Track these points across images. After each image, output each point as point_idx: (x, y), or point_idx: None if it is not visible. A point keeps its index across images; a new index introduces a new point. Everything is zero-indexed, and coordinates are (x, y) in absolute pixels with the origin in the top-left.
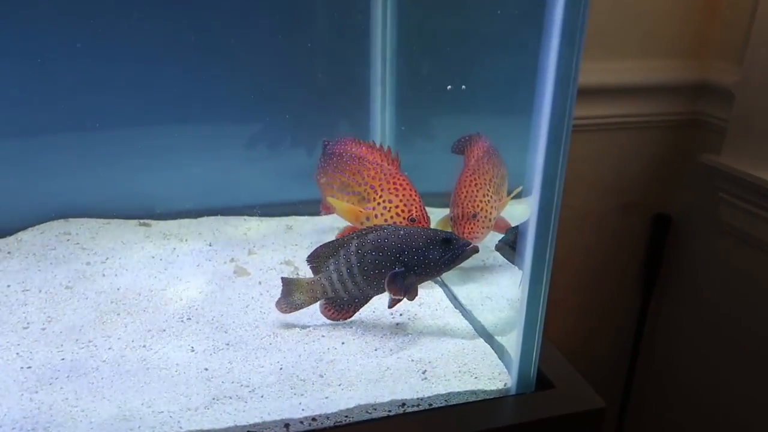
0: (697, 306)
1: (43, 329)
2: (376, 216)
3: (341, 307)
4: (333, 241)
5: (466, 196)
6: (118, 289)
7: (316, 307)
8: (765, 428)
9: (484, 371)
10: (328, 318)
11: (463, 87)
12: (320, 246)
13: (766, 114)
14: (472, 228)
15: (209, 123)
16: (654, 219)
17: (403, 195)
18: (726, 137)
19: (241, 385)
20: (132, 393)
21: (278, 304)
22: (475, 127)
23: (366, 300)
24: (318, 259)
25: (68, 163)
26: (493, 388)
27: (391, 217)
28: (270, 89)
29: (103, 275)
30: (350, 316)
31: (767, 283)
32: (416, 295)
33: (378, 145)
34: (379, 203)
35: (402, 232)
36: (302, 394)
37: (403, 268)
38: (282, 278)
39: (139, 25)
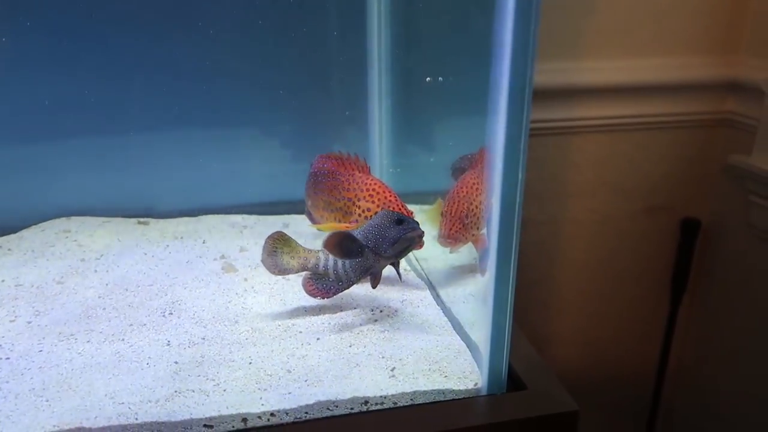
0: (729, 313)
1: (29, 323)
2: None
3: (324, 286)
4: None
5: (464, 195)
6: (107, 284)
7: (305, 303)
8: None
9: (454, 370)
10: (308, 292)
11: (440, 79)
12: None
13: None
14: (457, 228)
15: (210, 124)
16: (682, 223)
17: (379, 199)
18: (757, 137)
19: (207, 379)
20: (99, 385)
21: (264, 261)
22: (472, 125)
23: (349, 284)
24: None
25: (71, 163)
26: (462, 387)
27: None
28: (270, 91)
29: (95, 271)
30: (329, 297)
31: None
32: (378, 281)
33: (346, 154)
34: (359, 214)
35: (380, 213)
36: (265, 389)
37: (364, 243)
38: (274, 233)
39: (140, 28)
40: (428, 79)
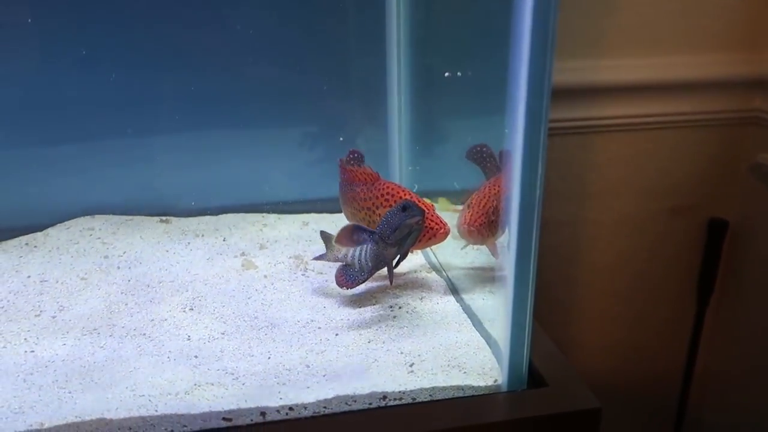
0: (758, 316)
1: (54, 317)
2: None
3: (350, 276)
4: None
5: (495, 194)
6: (129, 281)
7: (325, 300)
8: None
9: (474, 366)
10: (337, 283)
11: (458, 74)
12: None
13: None
14: (481, 222)
15: (230, 124)
16: (709, 224)
17: (395, 201)
18: None
19: (226, 373)
20: (120, 377)
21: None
22: (490, 123)
23: (369, 274)
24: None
25: (95, 163)
26: (482, 384)
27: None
28: (289, 90)
29: (118, 268)
30: (352, 287)
31: None
32: (392, 274)
33: (355, 166)
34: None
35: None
36: (284, 384)
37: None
38: (321, 231)
39: (164, 27)
40: (447, 73)
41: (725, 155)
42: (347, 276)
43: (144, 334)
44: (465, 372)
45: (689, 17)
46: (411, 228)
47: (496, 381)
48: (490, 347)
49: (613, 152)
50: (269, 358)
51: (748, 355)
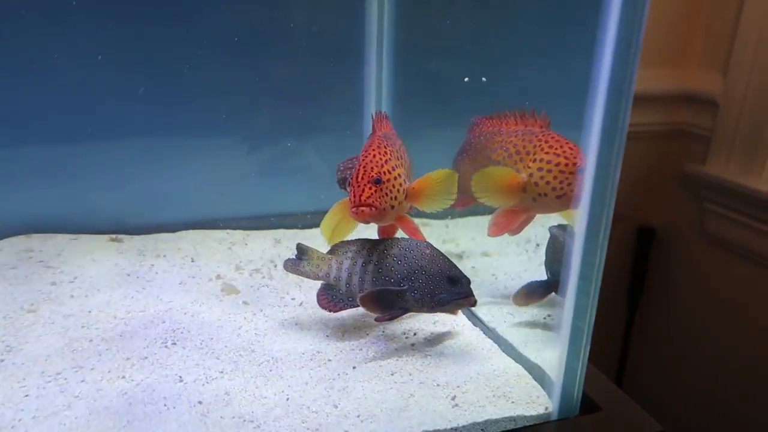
0: (684, 318)
1: (2, 360)
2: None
3: (334, 298)
4: (370, 239)
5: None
6: (90, 311)
7: (324, 327)
8: None
9: (520, 395)
10: (318, 303)
11: (483, 80)
12: (359, 238)
13: (751, 122)
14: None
15: (181, 131)
16: (638, 231)
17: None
18: (711, 146)
19: (244, 421)
20: None
21: (285, 263)
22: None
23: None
24: (344, 243)
25: (26, 174)
26: (534, 413)
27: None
28: (256, 98)
29: (72, 296)
30: (336, 311)
31: (754, 292)
32: (395, 317)
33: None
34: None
35: (428, 252)
36: (317, 429)
37: (405, 287)
38: (298, 243)
39: (101, 25)
40: (466, 79)
41: (653, 165)
42: (330, 298)
43: (123, 377)
44: (513, 402)
45: None
46: (460, 306)
47: (547, 409)
48: (529, 373)
49: None
50: (287, 399)
51: (676, 355)
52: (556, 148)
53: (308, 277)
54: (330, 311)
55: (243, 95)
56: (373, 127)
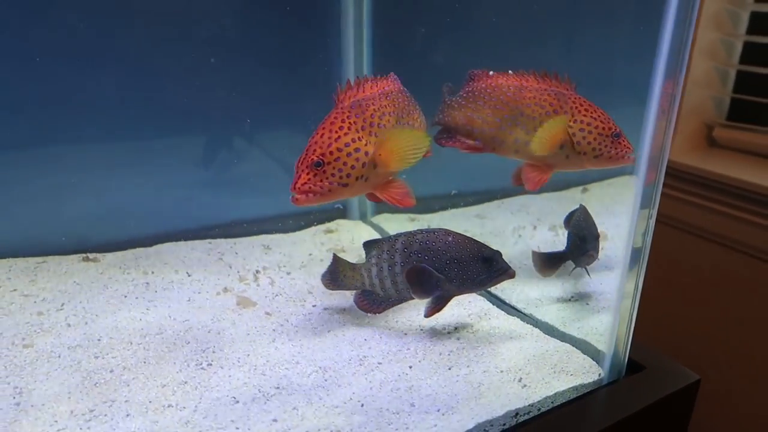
0: None
1: (17, 404)
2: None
3: (374, 301)
4: (385, 237)
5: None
6: (99, 339)
7: (357, 331)
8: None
9: (576, 367)
10: (359, 308)
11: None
12: (374, 239)
13: None
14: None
15: (146, 134)
16: None
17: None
18: None
19: (330, 430)
20: None
21: (323, 276)
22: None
23: (401, 300)
24: (368, 246)
25: None
26: (590, 381)
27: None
28: (219, 95)
29: (69, 325)
30: (380, 312)
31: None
32: (442, 307)
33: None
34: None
35: (450, 239)
36: (407, 427)
37: (441, 276)
38: (333, 253)
39: (60, 29)
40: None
41: None
42: (371, 301)
43: (170, 406)
44: (572, 374)
45: None
46: (505, 280)
47: (599, 375)
48: (576, 348)
49: None
50: (362, 405)
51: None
52: (592, 112)
53: (348, 290)
54: (374, 313)
55: (223, 101)
56: (336, 99)
